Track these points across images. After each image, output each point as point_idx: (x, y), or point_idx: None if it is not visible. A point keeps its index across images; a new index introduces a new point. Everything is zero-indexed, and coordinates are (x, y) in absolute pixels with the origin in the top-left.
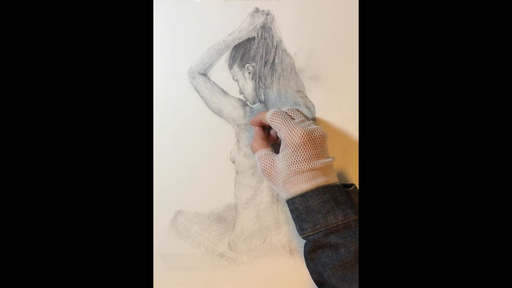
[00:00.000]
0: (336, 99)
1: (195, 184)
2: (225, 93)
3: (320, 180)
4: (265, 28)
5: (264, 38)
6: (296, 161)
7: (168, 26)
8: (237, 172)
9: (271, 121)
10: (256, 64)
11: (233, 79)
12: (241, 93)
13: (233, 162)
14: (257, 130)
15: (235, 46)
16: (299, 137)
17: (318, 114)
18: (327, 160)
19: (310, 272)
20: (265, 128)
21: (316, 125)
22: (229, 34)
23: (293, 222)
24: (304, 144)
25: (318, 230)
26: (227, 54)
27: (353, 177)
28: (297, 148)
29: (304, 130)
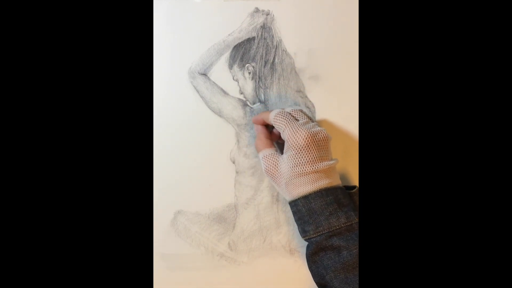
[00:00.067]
0: (336, 99)
1: (195, 184)
2: (225, 93)
3: (323, 182)
4: (265, 28)
5: (264, 38)
6: (300, 163)
7: (168, 26)
8: (237, 172)
9: (275, 121)
10: (256, 64)
11: (233, 79)
12: (241, 93)
13: (233, 162)
14: (260, 129)
15: (235, 46)
16: (303, 139)
17: (318, 114)
18: (331, 162)
19: (312, 275)
20: (268, 127)
21: (320, 127)
22: (229, 34)
23: (293, 222)
24: (308, 146)
25: (321, 232)
26: (227, 54)
27: (353, 177)
28: (301, 150)
29: (308, 132)
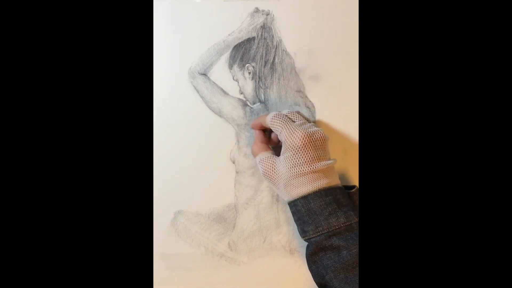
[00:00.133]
0: (336, 99)
1: (195, 184)
2: (225, 93)
3: (322, 182)
4: (265, 28)
5: (264, 38)
6: (298, 163)
7: (168, 26)
8: (237, 172)
9: (272, 124)
10: (256, 64)
11: (233, 79)
12: (241, 93)
13: (233, 162)
14: (257, 134)
15: (235, 46)
16: (300, 140)
17: (318, 114)
18: (329, 162)
19: (312, 275)
20: (266, 131)
21: (317, 127)
22: (229, 34)
23: (293, 222)
24: (305, 146)
25: (320, 232)
26: (227, 54)
27: (353, 178)
28: (298, 150)
29: (305, 132)
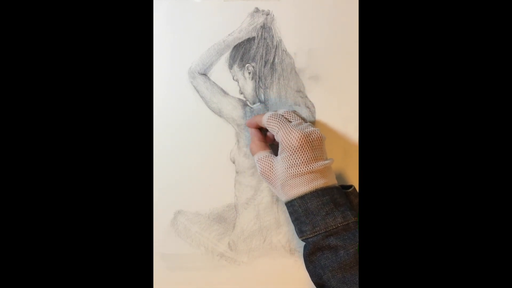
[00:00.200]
0: (336, 99)
1: (195, 184)
2: (225, 93)
3: (319, 182)
4: (265, 28)
5: (264, 38)
6: (294, 164)
7: (168, 26)
8: (237, 172)
9: (268, 124)
10: (256, 64)
11: (233, 79)
12: (241, 93)
13: (233, 162)
14: (254, 132)
15: (235, 46)
16: (297, 140)
17: (318, 114)
18: (326, 162)
19: (310, 275)
20: (262, 129)
21: (313, 127)
22: (229, 34)
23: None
24: (301, 146)
25: (318, 232)
26: (227, 54)
27: (353, 178)
28: (295, 151)
29: (302, 133)
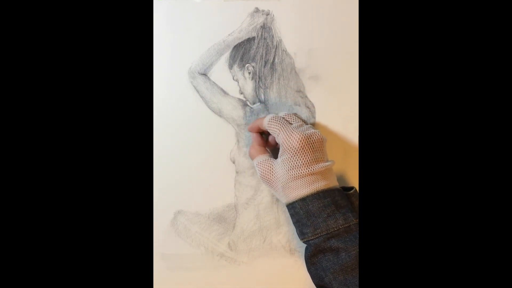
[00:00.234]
0: (336, 99)
1: (195, 184)
2: (225, 93)
3: (320, 184)
4: (265, 28)
5: (264, 38)
6: (295, 165)
7: (168, 26)
8: (237, 172)
9: (269, 127)
10: (256, 64)
11: (233, 79)
12: (241, 93)
13: (233, 162)
14: (254, 137)
15: (235, 46)
16: (298, 142)
17: (318, 114)
18: (327, 164)
19: (311, 277)
20: (264, 134)
21: (314, 129)
22: (229, 34)
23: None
24: (302, 148)
25: (319, 234)
26: (227, 54)
27: (353, 178)
28: (296, 152)
29: (302, 135)
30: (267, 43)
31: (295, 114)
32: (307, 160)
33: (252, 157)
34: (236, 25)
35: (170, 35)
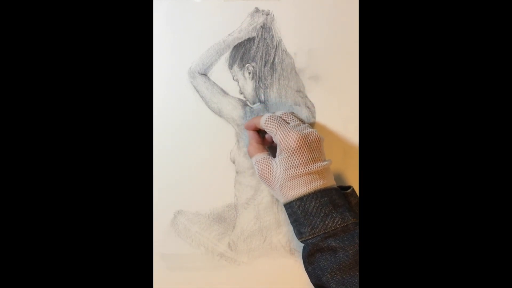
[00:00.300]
0: (336, 99)
1: (195, 184)
2: (225, 93)
3: (318, 184)
4: (265, 28)
5: (264, 38)
6: (293, 165)
7: (168, 26)
8: (237, 172)
9: (266, 126)
10: (256, 64)
11: (233, 79)
12: (241, 93)
13: (233, 162)
14: (252, 134)
15: (235, 46)
16: (295, 141)
17: (318, 114)
18: (324, 163)
19: (309, 276)
20: (260, 132)
21: (311, 128)
22: (229, 34)
23: None
24: (300, 148)
25: (317, 234)
26: (227, 54)
27: (353, 178)
28: (293, 152)
29: (300, 134)
30: (267, 43)
31: (292, 113)
32: (304, 160)
33: (250, 155)
34: (236, 25)
35: (170, 35)
